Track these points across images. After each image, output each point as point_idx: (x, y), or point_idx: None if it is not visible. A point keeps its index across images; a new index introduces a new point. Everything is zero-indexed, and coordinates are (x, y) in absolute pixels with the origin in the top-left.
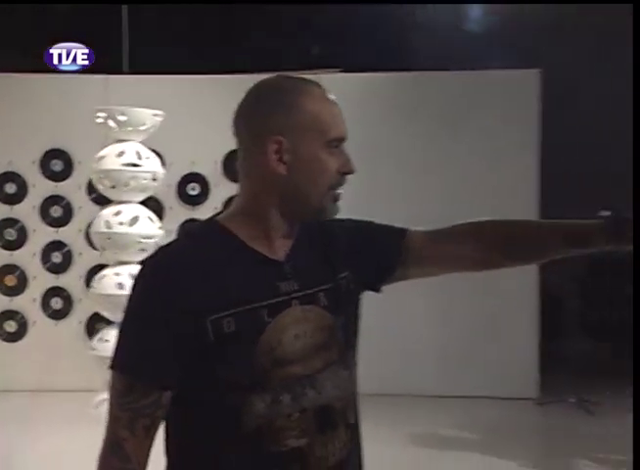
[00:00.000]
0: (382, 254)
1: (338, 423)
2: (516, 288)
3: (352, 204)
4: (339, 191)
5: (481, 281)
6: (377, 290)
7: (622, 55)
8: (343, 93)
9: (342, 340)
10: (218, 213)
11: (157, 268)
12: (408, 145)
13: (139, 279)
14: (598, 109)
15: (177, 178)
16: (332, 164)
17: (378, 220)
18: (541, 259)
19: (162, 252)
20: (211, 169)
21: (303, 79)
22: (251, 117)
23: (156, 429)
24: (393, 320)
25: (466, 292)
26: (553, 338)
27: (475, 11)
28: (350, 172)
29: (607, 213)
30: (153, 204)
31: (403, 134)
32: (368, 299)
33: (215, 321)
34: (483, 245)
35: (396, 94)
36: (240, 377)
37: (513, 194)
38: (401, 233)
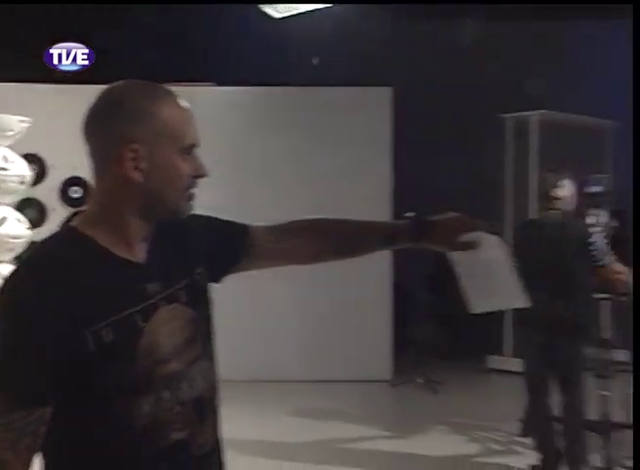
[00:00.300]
0: (228, 248)
1: (209, 412)
2: (371, 279)
3: (225, 212)
4: (192, 191)
5: (339, 272)
6: (218, 281)
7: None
8: (217, 106)
9: (205, 333)
10: (70, 218)
11: (21, 283)
12: (278, 155)
13: (6, 292)
14: (445, 122)
15: (60, 181)
16: (186, 170)
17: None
18: (362, 254)
19: (26, 266)
20: None
21: (156, 86)
22: (105, 124)
23: (37, 446)
24: (258, 310)
25: (325, 283)
26: (404, 325)
27: (339, 30)
28: (204, 176)
29: (411, 215)
30: (36, 206)
31: (272, 145)
32: (236, 290)
33: (94, 332)
34: (315, 240)
35: (267, 107)
36: (124, 382)
37: (370, 200)
38: (245, 229)
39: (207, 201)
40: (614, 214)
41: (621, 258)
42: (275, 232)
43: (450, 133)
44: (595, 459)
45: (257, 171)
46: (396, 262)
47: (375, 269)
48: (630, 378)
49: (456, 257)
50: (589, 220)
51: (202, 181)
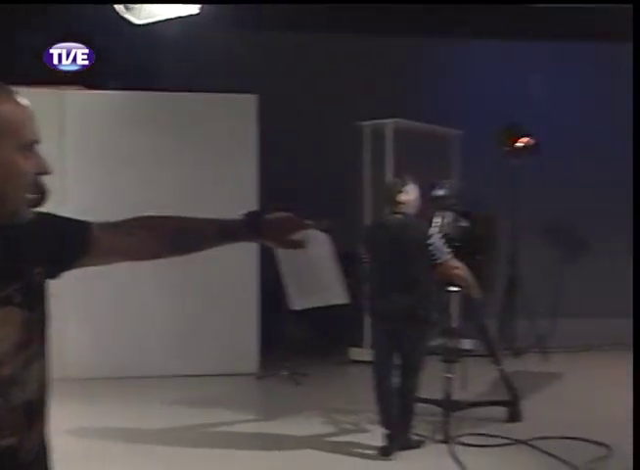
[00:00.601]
0: (68, 246)
1: (38, 415)
2: (237, 274)
3: (95, 211)
4: (35, 196)
5: (206, 266)
6: (55, 278)
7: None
8: (86, 109)
9: (40, 333)
10: None
11: None
12: (147, 157)
13: None
14: (309, 127)
15: None
16: (27, 167)
17: None
18: (199, 250)
19: None
20: None
21: None
22: None
23: None
24: (126, 309)
25: (191, 276)
26: (270, 320)
27: (202, 38)
28: (47, 173)
29: (245, 213)
30: None
31: (142, 147)
32: (103, 289)
33: None
34: (154, 236)
35: (135, 111)
36: None
37: (237, 200)
38: (85, 226)
39: (77, 201)
40: (463, 215)
41: (461, 256)
42: (115, 229)
43: (313, 138)
44: (438, 435)
45: (127, 173)
46: (263, 257)
47: (241, 265)
48: (472, 363)
49: (282, 254)
50: (435, 221)
51: (72, 182)
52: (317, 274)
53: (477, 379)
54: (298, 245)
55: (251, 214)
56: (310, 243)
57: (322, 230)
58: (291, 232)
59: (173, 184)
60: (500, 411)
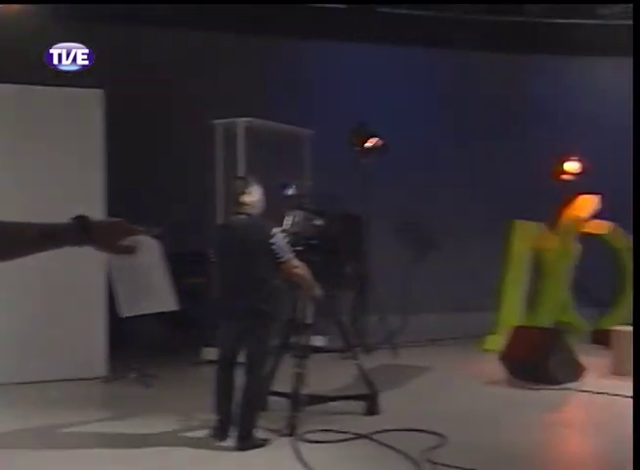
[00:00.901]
0: None
1: None
2: (83, 275)
3: None
4: None
5: (50, 268)
6: None
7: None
8: None
9: None
10: None
11: None
12: None
13: None
14: (162, 125)
15: None
16: None
17: None
18: (23, 254)
19: None
20: None
21: None
22: None
23: None
24: None
25: (36, 279)
26: (119, 321)
27: (47, 32)
28: None
29: (72, 217)
30: None
31: None
32: None
33: None
34: None
35: None
36: None
37: (82, 200)
38: None
39: None
40: (318, 214)
41: (311, 254)
42: None
43: (167, 136)
44: (285, 430)
45: None
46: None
47: (88, 266)
48: (323, 358)
49: (113, 260)
50: (286, 220)
51: None
52: (146, 281)
53: (333, 375)
54: (128, 251)
55: (78, 218)
56: (140, 250)
57: (153, 237)
58: (120, 238)
59: (16, 183)
60: (357, 405)
